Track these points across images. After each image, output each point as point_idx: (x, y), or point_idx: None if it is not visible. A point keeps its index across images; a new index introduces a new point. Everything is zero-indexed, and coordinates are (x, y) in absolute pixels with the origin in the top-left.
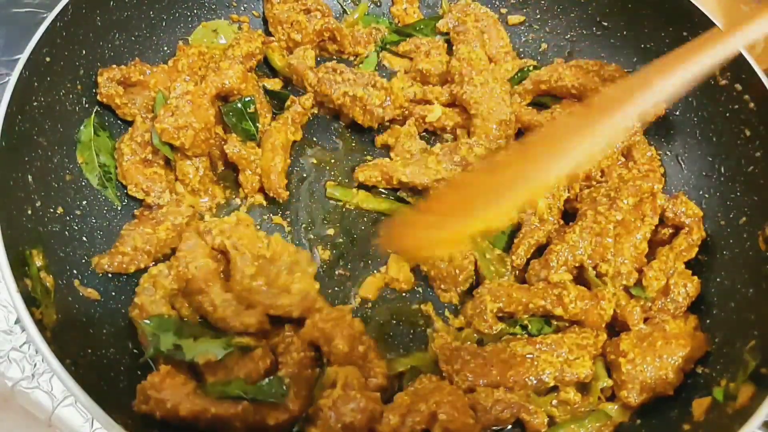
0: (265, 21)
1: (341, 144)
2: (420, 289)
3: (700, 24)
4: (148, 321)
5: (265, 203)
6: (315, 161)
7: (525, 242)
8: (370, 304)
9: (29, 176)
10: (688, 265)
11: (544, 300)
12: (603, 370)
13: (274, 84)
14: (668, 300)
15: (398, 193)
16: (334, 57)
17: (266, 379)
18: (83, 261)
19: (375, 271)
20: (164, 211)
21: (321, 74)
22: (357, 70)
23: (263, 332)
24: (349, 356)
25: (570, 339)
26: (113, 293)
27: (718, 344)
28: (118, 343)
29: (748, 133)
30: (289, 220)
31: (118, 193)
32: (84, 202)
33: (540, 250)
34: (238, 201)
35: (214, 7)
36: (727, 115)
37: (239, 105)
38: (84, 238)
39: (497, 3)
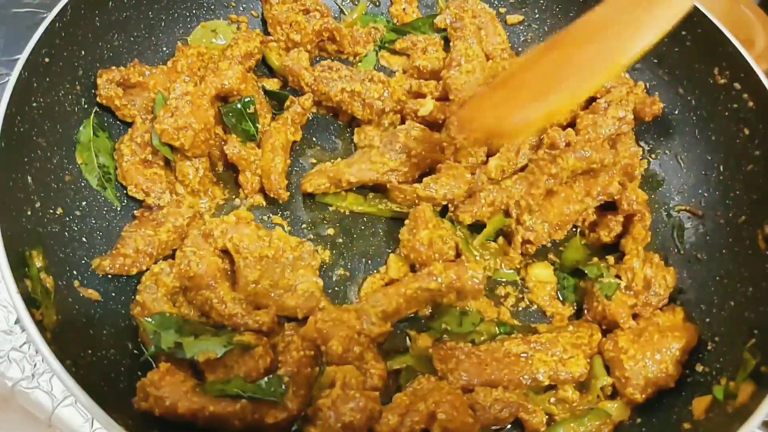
0: (263, 21)
1: (341, 144)
2: None
3: (699, 23)
4: (149, 319)
5: (264, 203)
6: (315, 161)
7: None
8: None
9: (29, 177)
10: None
11: (417, 281)
12: (602, 368)
13: (273, 84)
14: (650, 293)
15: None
16: (333, 57)
17: (265, 378)
18: (83, 262)
19: (375, 271)
20: (165, 212)
21: (317, 73)
22: (353, 68)
23: (270, 330)
24: (343, 357)
25: (564, 338)
26: (113, 294)
27: (718, 343)
28: (118, 344)
29: (747, 131)
30: (289, 220)
31: (118, 194)
32: (83, 203)
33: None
34: (237, 201)
35: (213, 7)
36: (726, 114)
37: (239, 106)
38: (84, 239)
39: (496, 2)
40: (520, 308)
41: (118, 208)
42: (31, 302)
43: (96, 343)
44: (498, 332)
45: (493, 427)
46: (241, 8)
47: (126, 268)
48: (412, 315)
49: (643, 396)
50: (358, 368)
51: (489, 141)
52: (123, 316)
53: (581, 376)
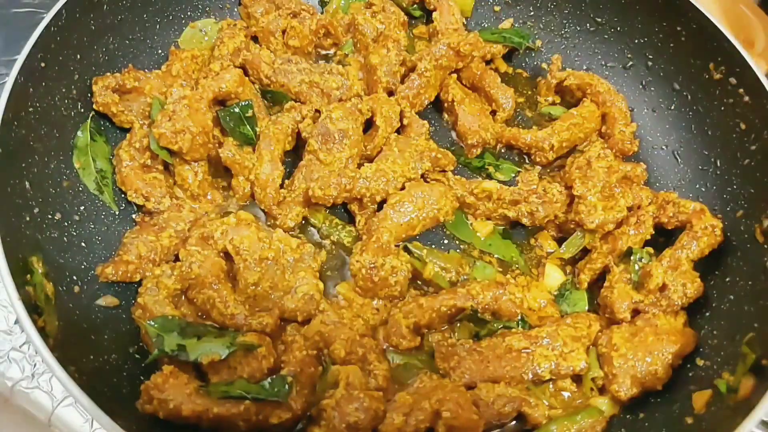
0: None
1: None
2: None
3: (693, 19)
4: (152, 322)
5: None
6: None
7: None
8: None
9: (26, 182)
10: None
11: (454, 299)
12: (595, 360)
13: None
14: (662, 296)
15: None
16: (329, 52)
17: (269, 379)
18: (83, 267)
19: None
20: (165, 216)
21: (277, 65)
22: (313, 63)
23: (273, 332)
24: (347, 360)
25: (564, 331)
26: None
27: (718, 337)
28: (120, 349)
29: (743, 126)
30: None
31: (116, 198)
32: (82, 208)
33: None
34: (238, 203)
35: (207, 9)
36: (722, 109)
37: (237, 110)
38: (83, 244)
39: (491, 0)
40: None
41: (117, 213)
42: (32, 309)
43: (98, 348)
44: (498, 327)
45: (495, 423)
46: (235, 10)
47: (129, 275)
48: None
49: (628, 395)
50: (362, 369)
51: None
52: (124, 321)
53: (581, 371)
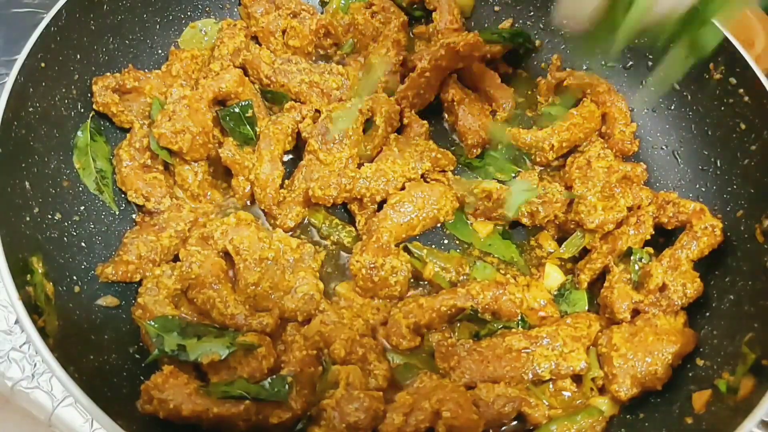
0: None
1: None
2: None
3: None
4: (152, 322)
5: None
6: None
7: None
8: None
9: (26, 183)
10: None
11: (454, 299)
12: (595, 360)
13: None
14: (662, 296)
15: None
16: (329, 51)
17: (269, 378)
18: (83, 267)
19: None
20: (165, 216)
21: (277, 65)
22: (313, 63)
23: (273, 332)
24: (347, 360)
25: (564, 331)
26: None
27: (718, 337)
28: (120, 349)
29: (743, 126)
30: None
31: (116, 198)
32: (82, 208)
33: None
34: (238, 203)
35: (207, 9)
36: (722, 108)
37: (237, 110)
38: (83, 244)
39: (491, 0)
40: None
41: (117, 213)
42: (32, 309)
43: (98, 348)
44: (498, 327)
45: (495, 423)
46: (235, 10)
47: (129, 275)
48: None
49: (628, 395)
50: (362, 369)
51: None
52: (124, 321)
53: (582, 371)
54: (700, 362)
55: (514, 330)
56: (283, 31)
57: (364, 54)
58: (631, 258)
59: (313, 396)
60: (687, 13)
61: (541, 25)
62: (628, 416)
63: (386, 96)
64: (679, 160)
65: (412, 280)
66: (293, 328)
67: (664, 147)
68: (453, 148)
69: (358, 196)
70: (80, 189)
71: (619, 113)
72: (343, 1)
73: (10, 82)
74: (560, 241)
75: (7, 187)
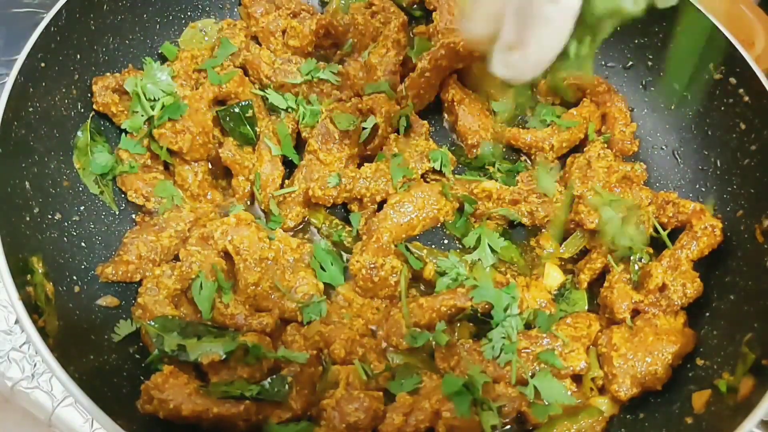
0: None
1: None
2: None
3: (693, 19)
4: (152, 322)
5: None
6: None
7: None
8: None
9: (26, 183)
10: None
11: (454, 299)
12: (595, 360)
13: None
14: (662, 296)
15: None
16: (329, 52)
17: (269, 378)
18: (83, 267)
19: None
20: (165, 216)
21: (277, 65)
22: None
23: (273, 332)
24: (346, 360)
25: (564, 331)
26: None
27: (718, 337)
28: (120, 349)
29: (743, 126)
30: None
31: (116, 198)
32: (82, 208)
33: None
34: (239, 204)
35: (207, 9)
36: (722, 109)
37: (237, 110)
38: (83, 244)
39: None
40: None
41: (117, 213)
42: (33, 309)
43: (98, 348)
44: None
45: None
46: (235, 10)
47: (129, 275)
48: None
49: (628, 395)
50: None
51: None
52: (124, 320)
53: (581, 371)
54: (700, 362)
55: None
56: (283, 31)
57: (364, 54)
58: (631, 258)
59: (313, 396)
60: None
61: None
62: (628, 416)
63: (386, 96)
64: (679, 160)
65: (411, 280)
66: (293, 328)
67: (664, 147)
68: (453, 148)
69: (358, 196)
70: (80, 189)
71: (619, 113)
72: (343, 1)
73: (10, 82)
74: (560, 241)
75: (7, 188)
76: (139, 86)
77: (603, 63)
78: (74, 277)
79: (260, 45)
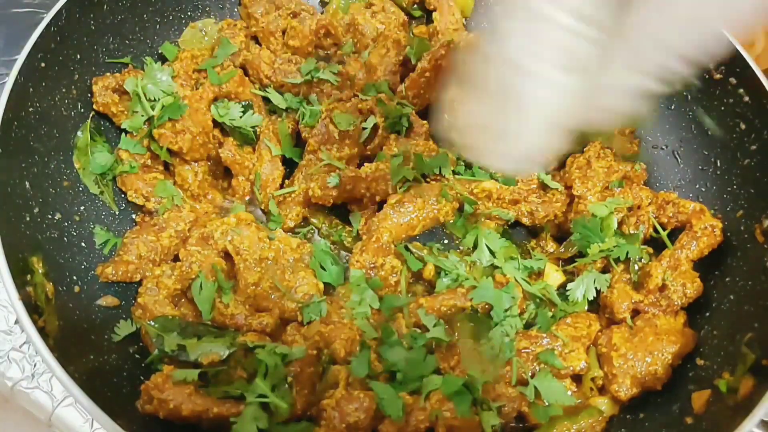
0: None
1: None
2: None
3: None
4: (152, 322)
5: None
6: None
7: None
8: None
9: (26, 183)
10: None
11: (454, 299)
12: (595, 360)
13: None
14: (662, 296)
15: None
16: (329, 52)
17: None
18: (83, 267)
19: None
20: (166, 216)
21: (277, 65)
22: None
23: (273, 332)
24: (346, 360)
25: (564, 331)
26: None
27: (718, 337)
28: (120, 349)
29: (743, 126)
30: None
31: (116, 198)
32: (82, 208)
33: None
34: (239, 204)
35: (207, 9)
36: (722, 108)
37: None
38: (83, 244)
39: (491, 0)
40: None
41: (117, 213)
42: (33, 309)
43: (98, 348)
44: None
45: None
46: (235, 10)
47: (129, 275)
48: None
49: (628, 395)
50: None
51: None
52: (124, 320)
53: (581, 370)
54: (700, 362)
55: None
56: (283, 31)
57: (364, 54)
58: (631, 258)
59: (313, 396)
60: None
61: None
62: (628, 416)
63: (386, 96)
64: (679, 160)
65: (411, 280)
66: (293, 328)
67: (664, 147)
68: (453, 148)
69: (358, 196)
70: (80, 189)
71: None
72: (343, 1)
73: (10, 82)
74: (560, 241)
75: (7, 187)
76: (139, 86)
77: None
78: (74, 277)
79: (260, 45)
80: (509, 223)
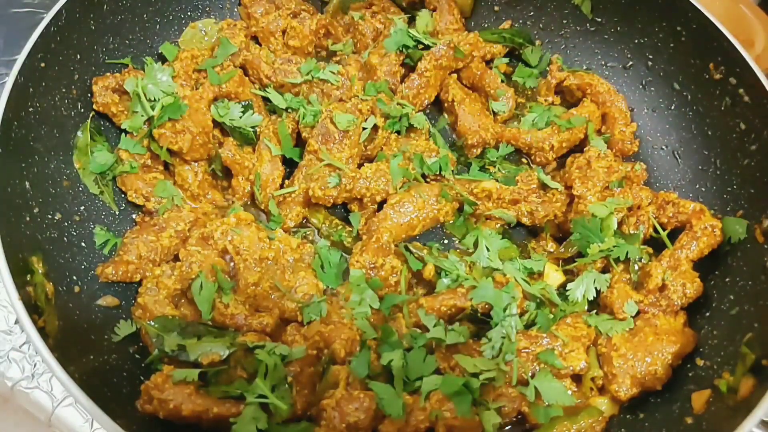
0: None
1: None
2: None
3: (693, 19)
4: (152, 322)
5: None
6: None
7: None
8: None
9: (26, 183)
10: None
11: (454, 299)
12: (595, 360)
13: None
14: (662, 296)
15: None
16: (329, 51)
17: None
18: (83, 267)
19: None
20: (165, 216)
21: (277, 65)
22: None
23: (273, 332)
24: (346, 360)
25: (564, 331)
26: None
27: (718, 337)
28: (120, 349)
29: (743, 126)
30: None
31: (115, 198)
32: (82, 208)
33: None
34: (239, 204)
35: (207, 9)
36: (722, 109)
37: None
38: (83, 244)
39: (491, 0)
40: None
41: (117, 213)
42: (33, 309)
43: (98, 348)
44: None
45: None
46: (235, 10)
47: (129, 275)
48: None
49: (628, 395)
50: None
51: None
52: (124, 320)
53: (581, 370)
54: (700, 362)
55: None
56: (283, 31)
57: (364, 54)
58: (631, 258)
59: (313, 396)
60: None
61: (541, 25)
62: (628, 416)
63: (386, 96)
64: (679, 160)
65: (413, 281)
66: (293, 328)
67: (664, 147)
68: (453, 148)
69: (358, 196)
70: (80, 189)
71: (619, 113)
72: (343, 1)
73: (10, 82)
74: (560, 241)
75: (7, 188)
76: (140, 86)
77: (603, 63)
78: (74, 277)
79: (260, 45)
80: (509, 222)
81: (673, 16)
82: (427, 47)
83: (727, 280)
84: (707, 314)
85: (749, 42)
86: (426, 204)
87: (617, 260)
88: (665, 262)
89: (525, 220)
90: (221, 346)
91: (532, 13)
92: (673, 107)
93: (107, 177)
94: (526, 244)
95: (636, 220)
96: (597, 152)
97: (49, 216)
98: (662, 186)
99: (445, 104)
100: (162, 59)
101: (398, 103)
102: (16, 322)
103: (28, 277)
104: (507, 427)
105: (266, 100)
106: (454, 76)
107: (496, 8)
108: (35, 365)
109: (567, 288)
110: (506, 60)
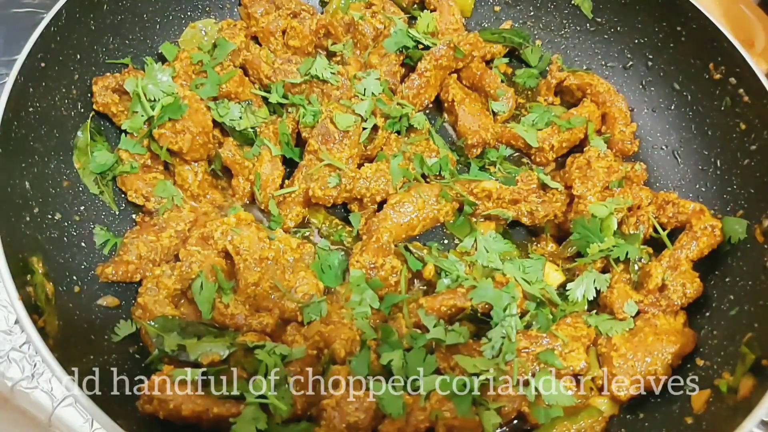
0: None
1: None
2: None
3: (693, 19)
4: (152, 322)
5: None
6: None
7: None
8: None
9: (26, 183)
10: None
11: (454, 299)
12: (595, 360)
13: None
14: (661, 296)
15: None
16: (329, 52)
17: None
18: (83, 267)
19: None
20: (166, 217)
21: (277, 65)
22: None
23: (273, 332)
24: (347, 360)
25: (564, 331)
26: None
27: (718, 337)
28: (120, 349)
29: (743, 126)
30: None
31: (115, 198)
32: (82, 208)
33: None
34: (238, 203)
35: (207, 8)
36: (722, 109)
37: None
38: (83, 244)
39: (491, 0)
40: None
41: (117, 213)
42: (33, 309)
43: (98, 348)
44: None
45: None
46: (235, 10)
47: (129, 275)
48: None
49: (628, 395)
50: None
51: None
52: (124, 320)
53: (581, 371)
54: (700, 362)
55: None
56: (283, 31)
57: (364, 54)
58: (631, 258)
59: (313, 396)
60: None
61: (541, 25)
62: (628, 416)
63: (386, 96)
64: (679, 160)
65: (414, 282)
66: (293, 328)
67: (664, 147)
68: (453, 148)
69: (358, 196)
70: (80, 189)
71: (619, 113)
72: (343, 1)
73: (10, 82)
74: (560, 241)
75: (7, 187)
76: (140, 86)
77: (603, 63)
78: (74, 277)
79: (260, 45)
80: (509, 222)
81: (673, 16)
82: (427, 47)
83: (727, 280)
84: (707, 314)
85: (749, 42)
86: (426, 204)
87: (617, 260)
88: (665, 262)
89: (525, 220)
90: (221, 346)
91: (532, 13)
92: (673, 107)
93: (107, 177)
94: (526, 244)
95: (636, 220)
96: (597, 152)
97: (49, 216)
98: (662, 186)
99: (445, 104)
100: (162, 59)
101: (398, 103)
102: (16, 322)
103: (28, 277)
104: (506, 427)
105: (266, 100)
106: (454, 76)
107: (496, 8)
108: (35, 365)
109: (567, 288)
110: (506, 60)
